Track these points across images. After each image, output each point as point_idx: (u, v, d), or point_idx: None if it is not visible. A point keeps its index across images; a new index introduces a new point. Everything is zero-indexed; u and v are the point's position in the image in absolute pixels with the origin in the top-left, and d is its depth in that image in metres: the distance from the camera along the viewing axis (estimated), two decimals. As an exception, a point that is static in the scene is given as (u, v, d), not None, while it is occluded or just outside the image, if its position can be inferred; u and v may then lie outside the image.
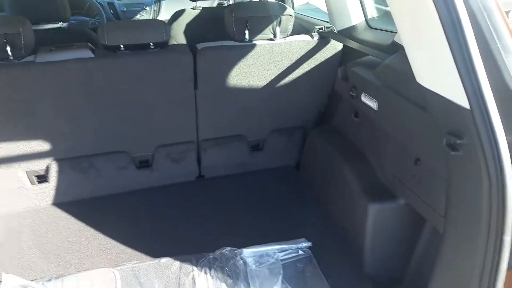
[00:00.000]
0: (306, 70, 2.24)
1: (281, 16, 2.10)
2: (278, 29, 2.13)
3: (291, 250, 1.95)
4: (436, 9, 1.00)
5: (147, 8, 5.24)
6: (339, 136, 2.29)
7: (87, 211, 2.21)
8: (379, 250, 1.84)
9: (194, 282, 1.78)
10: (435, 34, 1.04)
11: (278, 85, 2.26)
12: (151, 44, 1.99)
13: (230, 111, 2.34)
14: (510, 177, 1.02)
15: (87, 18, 4.50)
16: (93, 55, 1.92)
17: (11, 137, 2.01)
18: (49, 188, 2.23)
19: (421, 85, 1.24)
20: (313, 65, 2.23)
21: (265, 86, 2.24)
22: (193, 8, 3.23)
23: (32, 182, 2.21)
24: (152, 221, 2.20)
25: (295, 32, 2.21)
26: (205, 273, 1.82)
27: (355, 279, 1.83)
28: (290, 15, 2.12)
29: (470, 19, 1.00)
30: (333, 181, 2.16)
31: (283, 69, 2.21)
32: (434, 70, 1.16)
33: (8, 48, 1.78)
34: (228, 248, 1.93)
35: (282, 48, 2.14)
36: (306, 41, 2.17)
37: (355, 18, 2.37)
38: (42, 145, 2.08)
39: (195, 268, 1.85)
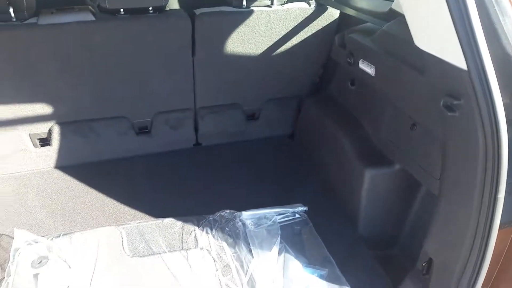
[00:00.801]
0: (303, 37, 2.27)
1: None
2: None
3: (288, 214, 2.03)
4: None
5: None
6: (334, 104, 2.35)
7: (89, 175, 2.27)
8: (374, 213, 1.93)
9: (197, 240, 1.86)
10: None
11: (275, 53, 2.29)
12: (150, 8, 2.01)
13: (227, 79, 2.38)
14: (505, 137, 1.08)
15: None
16: (94, 18, 1.93)
17: (14, 100, 2.03)
18: (52, 151, 2.27)
19: (420, 48, 1.30)
20: (310, 33, 2.27)
21: (262, 53, 2.28)
22: None
23: (35, 145, 2.25)
24: (152, 185, 2.26)
25: None
26: (207, 232, 1.91)
27: (350, 241, 1.93)
28: None
29: None
30: (329, 148, 2.24)
31: (280, 36, 2.24)
32: (433, 33, 1.21)
33: (11, 10, 1.79)
34: (227, 211, 2.01)
35: (280, 15, 2.16)
36: (303, 8, 2.20)
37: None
38: (44, 108, 2.11)
39: (196, 228, 1.93)
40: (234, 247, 1.83)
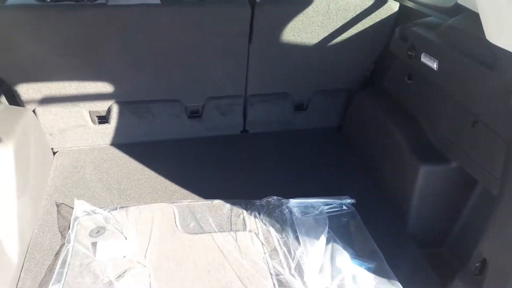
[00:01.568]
0: (360, 29, 2.25)
1: None
2: None
3: (335, 205, 2.04)
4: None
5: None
6: (388, 98, 2.32)
7: (143, 153, 2.36)
8: (425, 211, 1.90)
9: (245, 223, 1.90)
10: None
11: (330, 43, 2.28)
12: None
13: (279, 68, 2.39)
14: None
15: None
16: (159, 2, 1.99)
17: (79, 77, 2.13)
18: (109, 129, 2.37)
19: (492, 43, 1.26)
20: (367, 25, 2.24)
21: (317, 44, 2.27)
22: None
23: (94, 122, 2.35)
24: (201, 167, 2.32)
25: None
26: (254, 217, 1.94)
27: (398, 236, 1.91)
28: None
29: None
30: (381, 142, 2.22)
31: (337, 27, 2.23)
32: (509, 26, 1.17)
33: None
34: (274, 197, 2.04)
35: (339, 5, 2.14)
36: (363, 0, 2.17)
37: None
38: (105, 87, 2.20)
39: (244, 211, 1.97)
40: (281, 233, 1.86)
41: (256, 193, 2.08)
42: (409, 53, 1.98)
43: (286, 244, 1.80)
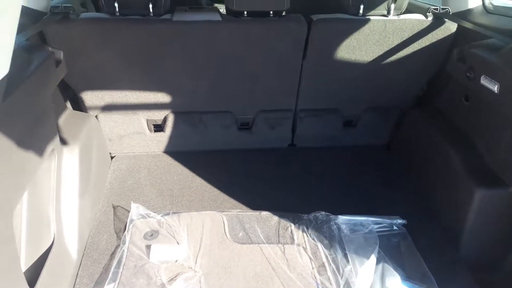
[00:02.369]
0: (415, 49, 2.23)
1: None
2: (392, 6, 2.14)
3: (385, 225, 2.01)
4: None
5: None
6: (443, 118, 2.28)
7: (193, 161, 2.44)
8: (479, 235, 1.84)
9: (293, 236, 1.91)
10: None
11: (384, 62, 2.27)
12: (271, 12, 2.10)
13: (331, 84, 2.41)
14: None
15: None
16: (220, 19, 2.07)
17: (140, 87, 2.24)
18: (164, 137, 2.47)
19: None
20: (423, 45, 2.22)
21: (370, 62, 2.27)
22: None
23: (150, 130, 2.46)
24: (249, 178, 2.36)
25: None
26: (302, 231, 1.95)
27: (450, 260, 1.85)
28: None
29: None
30: (434, 163, 2.17)
31: (393, 46, 2.22)
32: None
33: (150, 6, 1.98)
34: (323, 213, 2.04)
35: (396, 25, 2.14)
36: (420, 20, 2.16)
37: (472, 1, 2.30)
38: (163, 97, 2.30)
39: (292, 225, 1.98)
40: (329, 249, 1.85)
41: (303, 206, 2.10)
42: (468, 74, 1.94)
43: (334, 261, 1.79)
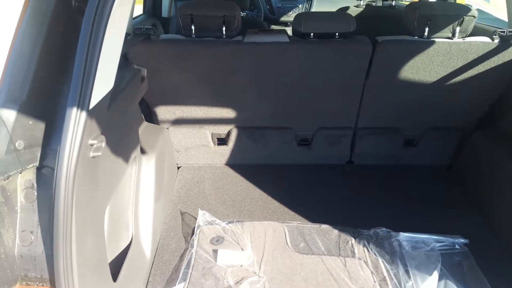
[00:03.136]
0: (480, 71, 2.22)
1: (464, 16, 2.13)
2: (458, 29, 2.16)
3: (447, 243, 1.99)
4: None
5: (300, 6, 5.55)
6: (509, 140, 2.23)
7: (254, 174, 2.55)
8: None
9: (353, 250, 1.95)
10: None
11: (448, 83, 2.28)
12: (337, 34, 2.19)
13: (392, 103, 2.44)
14: None
15: (248, 11, 4.98)
16: (288, 40, 2.19)
17: (208, 103, 2.41)
18: (227, 150, 2.61)
19: None
20: (489, 67, 2.21)
21: (434, 82, 2.29)
22: (356, 6, 3.40)
23: (214, 143, 2.61)
24: (308, 192, 2.43)
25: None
26: (363, 245, 1.98)
27: None
28: (474, 17, 2.14)
29: None
30: (499, 185, 2.13)
31: (457, 68, 2.23)
32: None
33: (223, 28, 2.14)
34: (383, 229, 2.05)
35: (461, 47, 2.16)
36: (486, 43, 2.16)
37: (540, 24, 2.28)
38: (229, 113, 2.45)
39: (352, 239, 2.02)
40: (390, 264, 1.87)
41: (361, 222, 2.13)
42: None
43: (396, 276, 1.81)
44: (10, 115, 1.07)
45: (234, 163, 2.65)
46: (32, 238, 1.13)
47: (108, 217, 1.68)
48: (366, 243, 1.98)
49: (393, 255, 1.92)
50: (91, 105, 1.11)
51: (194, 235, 2.02)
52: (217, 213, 2.21)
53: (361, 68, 2.26)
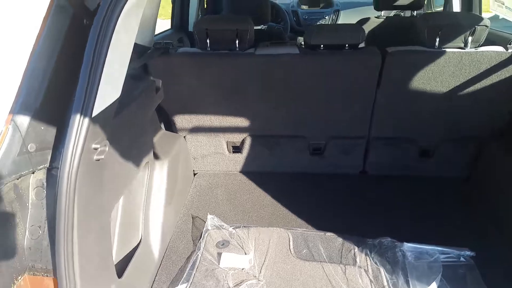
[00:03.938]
0: (494, 81, 2.20)
1: (476, 26, 2.12)
2: (470, 39, 2.15)
3: (452, 255, 1.97)
4: None
5: (327, 17, 5.60)
6: None
7: (266, 181, 2.63)
8: None
9: (355, 258, 1.97)
10: None
11: (461, 93, 2.27)
12: (347, 45, 2.25)
13: (405, 113, 2.44)
14: None
15: (274, 24, 5.09)
16: (298, 52, 2.27)
17: (223, 112, 2.52)
18: (241, 158, 2.70)
19: None
20: (503, 77, 2.18)
21: (446, 93, 2.28)
22: (377, 17, 3.43)
23: (229, 151, 2.72)
24: (319, 201, 2.47)
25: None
26: (366, 254, 2.00)
27: None
28: (486, 26, 2.12)
29: None
30: None
31: (469, 78, 2.22)
32: None
33: (237, 41, 2.25)
34: (388, 239, 2.06)
35: (472, 57, 2.15)
36: (500, 52, 2.14)
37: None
38: (243, 122, 2.55)
39: (356, 247, 2.04)
40: (391, 274, 1.88)
41: (369, 232, 2.13)
42: None
43: (395, 285, 1.81)
44: (24, 120, 1.21)
45: (248, 170, 2.74)
46: (40, 232, 1.27)
47: (118, 217, 1.82)
48: (369, 252, 2.00)
49: (395, 265, 1.93)
50: (95, 112, 1.23)
51: (202, 238, 2.12)
52: (226, 218, 2.30)
53: (372, 78, 2.29)
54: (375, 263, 1.95)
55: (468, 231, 2.17)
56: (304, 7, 5.60)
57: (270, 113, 2.50)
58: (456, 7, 3.71)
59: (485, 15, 3.25)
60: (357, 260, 1.97)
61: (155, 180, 2.08)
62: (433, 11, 4.53)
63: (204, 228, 2.18)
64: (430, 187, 2.58)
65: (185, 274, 1.91)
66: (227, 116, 2.52)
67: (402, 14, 4.01)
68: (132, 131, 1.78)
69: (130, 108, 1.70)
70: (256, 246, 2.04)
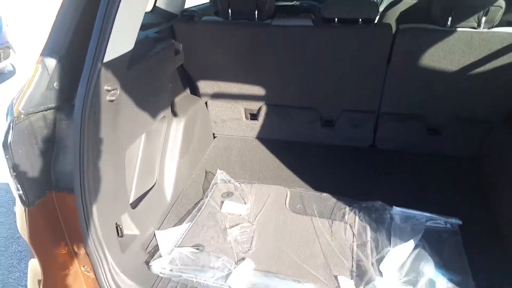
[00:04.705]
0: (505, 62, 2.20)
1: (490, 6, 2.14)
2: (483, 19, 2.16)
3: (439, 222, 2.07)
4: None
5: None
6: None
7: (278, 148, 2.82)
8: None
9: (344, 216, 2.13)
10: None
11: (470, 73, 2.29)
12: (360, 20, 2.35)
13: (415, 91, 2.50)
14: None
15: (316, 3, 5.17)
16: (312, 24, 2.42)
17: (241, 80, 2.73)
18: (256, 125, 2.91)
19: None
20: None
21: (456, 71, 2.31)
22: None
23: (246, 117, 2.93)
24: (325, 169, 2.62)
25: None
26: (354, 213, 2.15)
27: (495, 261, 1.84)
28: (500, 7, 2.13)
29: None
30: None
31: (479, 57, 2.23)
32: None
33: (256, 12, 2.43)
34: (380, 202, 2.18)
35: (483, 37, 2.16)
36: (511, 33, 2.14)
37: None
38: (260, 90, 2.75)
39: (347, 207, 2.19)
40: (375, 232, 2.02)
41: (364, 196, 2.24)
42: None
43: (375, 240, 1.96)
44: (51, 63, 1.49)
45: (263, 137, 2.94)
46: (63, 157, 1.56)
47: (138, 160, 2.10)
48: (358, 212, 2.15)
49: (381, 224, 2.06)
50: (106, 59, 1.49)
51: (210, 189, 2.37)
52: (235, 175, 2.53)
53: (383, 54, 2.37)
54: (362, 220, 2.09)
55: (462, 204, 2.23)
56: None
57: (283, 84, 2.67)
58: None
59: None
60: (345, 217, 2.12)
61: (171, 134, 2.35)
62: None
63: (213, 181, 2.43)
64: (435, 163, 2.64)
65: (191, 215, 2.17)
66: (245, 84, 2.72)
67: None
68: (149, 84, 2.04)
69: (148, 63, 1.96)
70: (255, 198, 2.26)
